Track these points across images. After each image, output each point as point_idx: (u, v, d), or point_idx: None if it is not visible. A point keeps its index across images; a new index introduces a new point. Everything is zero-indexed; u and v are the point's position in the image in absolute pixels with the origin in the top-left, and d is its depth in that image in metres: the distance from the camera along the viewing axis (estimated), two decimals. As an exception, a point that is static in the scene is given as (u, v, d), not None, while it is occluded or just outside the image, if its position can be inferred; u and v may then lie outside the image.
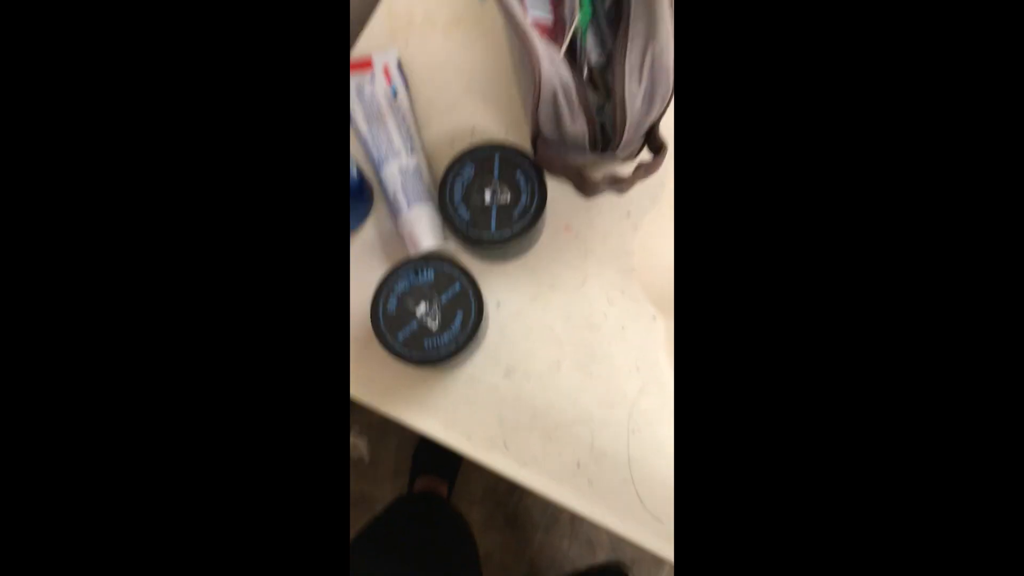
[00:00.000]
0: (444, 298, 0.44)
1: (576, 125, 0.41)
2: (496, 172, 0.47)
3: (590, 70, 0.48)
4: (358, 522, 0.72)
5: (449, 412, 0.49)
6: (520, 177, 0.47)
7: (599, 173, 0.45)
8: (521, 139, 0.53)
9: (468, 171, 0.47)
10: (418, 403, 0.50)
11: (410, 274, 0.44)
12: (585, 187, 0.45)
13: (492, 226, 0.46)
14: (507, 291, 0.51)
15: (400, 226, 0.50)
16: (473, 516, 1.18)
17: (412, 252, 0.49)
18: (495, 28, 0.56)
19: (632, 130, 0.41)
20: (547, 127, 0.42)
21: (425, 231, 0.49)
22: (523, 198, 0.46)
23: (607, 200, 0.52)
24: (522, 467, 0.48)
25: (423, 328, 0.43)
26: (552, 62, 0.40)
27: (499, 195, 0.46)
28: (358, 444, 1.20)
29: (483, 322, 0.44)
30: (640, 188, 0.52)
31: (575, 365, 0.50)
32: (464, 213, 0.46)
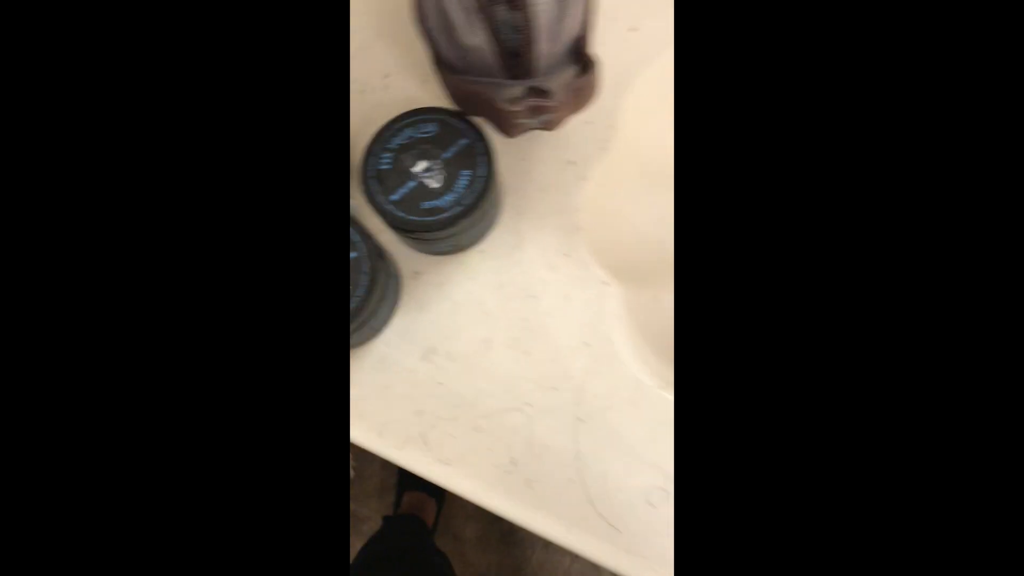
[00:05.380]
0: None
1: (476, 36, 0.33)
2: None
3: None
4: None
5: (355, 402, 0.41)
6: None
7: (520, 104, 0.37)
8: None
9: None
10: (325, 394, 0.42)
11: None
12: (504, 123, 0.37)
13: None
14: (426, 258, 0.43)
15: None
16: (467, 534, 1.09)
17: None
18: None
19: (546, 40, 0.33)
20: (440, 40, 0.34)
21: None
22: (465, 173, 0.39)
23: (544, 146, 0.44)
24: (444, 466, 0.40)
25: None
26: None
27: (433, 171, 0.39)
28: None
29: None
30: (583, 133, 0.44)
31: (509, 342, 0.41)
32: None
